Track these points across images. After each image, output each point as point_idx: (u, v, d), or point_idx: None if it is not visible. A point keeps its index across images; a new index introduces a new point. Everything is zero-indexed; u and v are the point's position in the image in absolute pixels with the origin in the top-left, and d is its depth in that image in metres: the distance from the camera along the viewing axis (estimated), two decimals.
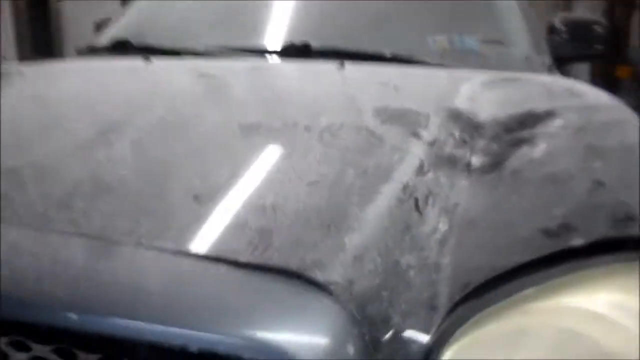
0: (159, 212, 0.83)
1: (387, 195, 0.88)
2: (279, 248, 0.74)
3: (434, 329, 0.70)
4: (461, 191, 0.96)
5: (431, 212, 0.89)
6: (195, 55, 1.68)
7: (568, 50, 2.08)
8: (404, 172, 0.95)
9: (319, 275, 0.71)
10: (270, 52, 1.72)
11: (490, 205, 0.91)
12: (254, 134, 1.08)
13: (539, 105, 1.26)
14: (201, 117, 1.18)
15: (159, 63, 1.62)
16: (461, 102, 1.30)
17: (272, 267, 0.71)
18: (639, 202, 0.81)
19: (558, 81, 1.60)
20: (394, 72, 1.51)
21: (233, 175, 0.91)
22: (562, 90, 1.43)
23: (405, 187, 0.91)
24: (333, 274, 0.72)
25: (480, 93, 1.40)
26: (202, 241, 0.77)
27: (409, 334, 0.70)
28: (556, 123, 1.16)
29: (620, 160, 0.97)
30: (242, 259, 0.72)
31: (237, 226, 0.79)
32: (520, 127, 1.17)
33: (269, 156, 1.00)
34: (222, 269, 0.71)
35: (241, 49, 1.71)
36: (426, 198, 0.91)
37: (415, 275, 0.76)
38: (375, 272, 0.74)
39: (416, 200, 0.89)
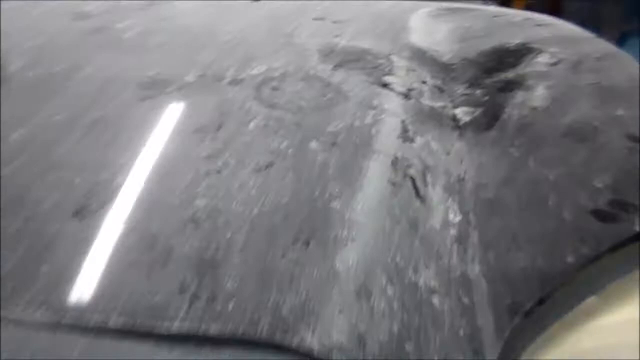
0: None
1: (374, 177, 0.61)
2: (231, 308, 0.45)
3: None
4: (460, 158, 0.71)
5: (434, 196, 0.63)
6: None
7: None
8: (386, 140, 0.68)
9: (300, 341, 0.43)
10: None
11: (505, 177, 0.67)
12: (158, 94, 0.74)
13: (507, 38, 1.03)
14: (80, 72, 0.81)
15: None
16: (418, 38, 1.04)
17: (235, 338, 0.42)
18: None
19: (507, 10, 1.39)
20: (326, 4, 1.20)
21: (131, 172, 0.59)
22: (521, 20, 1.21)
23: (394, 163, 0.64)
24: (322, 334, 0.44)
25: (432, 26, 1.14)
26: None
27: None
28: (541, 59, 0.93)
29: None
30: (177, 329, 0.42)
31: (160, 276, 0.48)
32: (500, 66, 0.94)
33: (187, 130, 0.67)
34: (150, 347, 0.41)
35: None
36: (423, 175, 0.65)
37: (442, 304, 0.51)
38: (389, 313, 0.48)
39: (413, 181, 0.63)
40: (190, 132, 0.66)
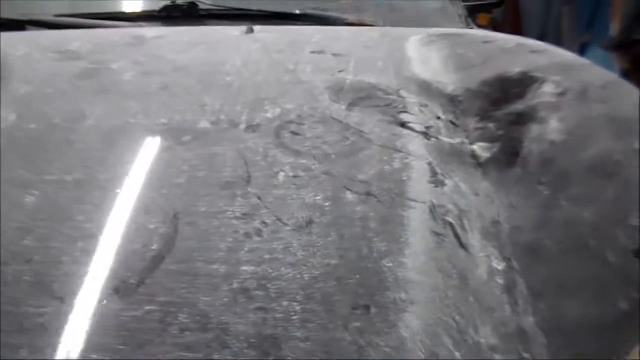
0: None
1: (417, 229, 0.59)
2: None
3: None
4: (490, 199, 0.71)
5: (475, 243, 0.62)
6: (45, 27, 1.20)
7: None
8: (419, 186, 0.66)
9: None
10: (147, 17, 1.29)
11: (538, 217, 0.67)
12: (174, 144, 0.71)
13: (504, 66, 1.04)
14: (82, 123, 0.76)
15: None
16: (419, 70, 1.04)
17: None
18: None
19: (494, 35, 1.42)
20: (320, 36, 1.19)
21: (165, 239, 0.55)
22: (514, 47, 1.23)
23: (432, 211, 0.63)
24: None
25: (426, 54, 1.14)
26: None
27: None
28: (547, 89, 0.94)
29: None
30: None
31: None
32: (506, 96, 0.94)
33: (215, 185, 0.64)
34: None
35: (107, 16, 1.25)
36: (461, 221, 0.64)
37: None
38: None
39: (453, 229, 0.62)
40: (218, 188, 0.63)
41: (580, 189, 0.69)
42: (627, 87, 0.96)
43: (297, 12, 1.40)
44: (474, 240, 0.62)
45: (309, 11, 1.44)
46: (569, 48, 1.28)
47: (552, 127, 0.82)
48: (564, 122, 0.83)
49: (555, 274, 0.59)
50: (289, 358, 0.44)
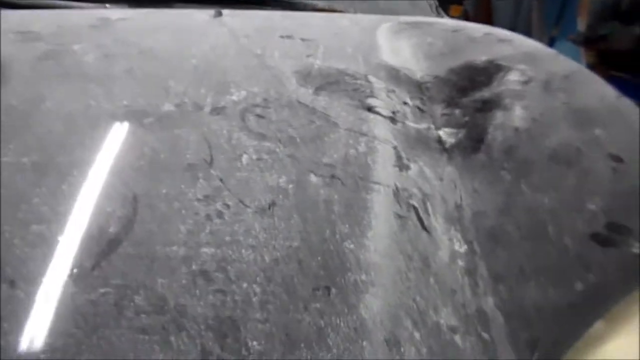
0: None
1: (380, 212, 0.59)
2: None
3: None
4: (453, 183, 0.71)
5: (437, 226, 0.62)
6: (7, 7, 1.15)
7: None
8: (384, 170, 0.66)
9: None
10: None
11: (501, 203, 0.67)
12: (136, 127, 0.69)
13: (472, 55, 1.05)
14: (41, 105, 0.74)
15: None
16: (388, 57, 1.04)
17: None
18: None
19: (464, 24, 1.42)
20: (289, 21, 1.18)
21: (122, 222, 0.54)
22: (482, 36, 1.24)
23: (396, 194, 0.63)
24: None
25: (396, 42, 1.15)
26: None
27: None
28: (512, 77, 0.96)
29: (617, 123, 0.80)
30: None
31: (177, 341, 0.44)
32: (473, 84, 0.95)
33: (177, 168, 0.63)
34: None
35: None
36: (424, 205, 0.64)
37: (464, 342, 0.50)
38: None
39: (417, 212, 0.62)
40: (181, 170, 0.61)
41: (541, 176, 0.70)
42: (590, 76, 0.97)
43: None
44: (437, 223, 0.63)
45: None
46: (538, 41, 1.30)
47: (516, 115, 0.83)
48: (527, 110, 0.84)
49: (516, 258, 0.60)
50: (247, 339, 0.44)
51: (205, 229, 0.53)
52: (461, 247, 0.61)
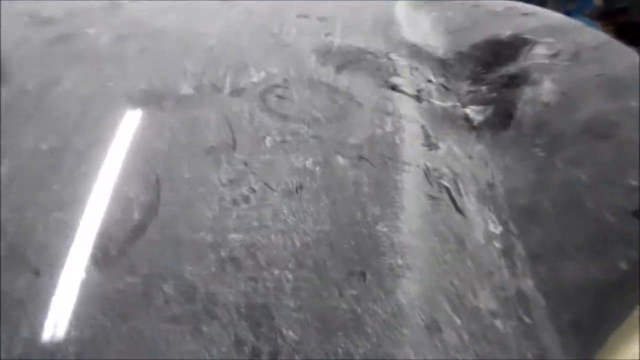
0: None
1: (411, 193, 0.57)
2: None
3: None
4: (484, 161, 0.68)
5: (471, 206, 0.60)
6: None
7: None
8: (412, 149, 0.64)
9: None
10: None
11: (536, 180, 0.65)
12: (155, 110, 0.67)
13: (495, 28, 1.01)
14: (56, 88, 0.72)
15: None
16: (408, 33, 1.01)
17: None
18: None
19: None
20: (299, 1, 1.15)
21: (147, 207, 0.52)
22: (504, 10, 1.20)
23: (427, 174, 0.60)
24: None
25: (415, 18, 1.11)
26: None
27: None
28: (539, 50, 0.92)
29: None
30: None
31: (210, 330, 0.42)
32: (498, 59, 0.92)
33: (199, 151, 0.61)
34: None
35: None
36: (455, 185, 0.61)
37: (505, 327, 0.48)
38: (461, 347, 0.44)
39: (449, 192, 0.59)
40: (203, 153, 0.59)
41: (575, 150, 0.67)
42: (621, 47, 0.93)
43: None
44: (469, 203, 0.60)
45: None
46: None
47: (546, 89, 0.80)
48: (557, 83, 0.81)
49: (553, 235, 0.57)
50: (282, 328, 0.42)
51: (232, 214, 0.52)
52: (496, 228, 0.58)
